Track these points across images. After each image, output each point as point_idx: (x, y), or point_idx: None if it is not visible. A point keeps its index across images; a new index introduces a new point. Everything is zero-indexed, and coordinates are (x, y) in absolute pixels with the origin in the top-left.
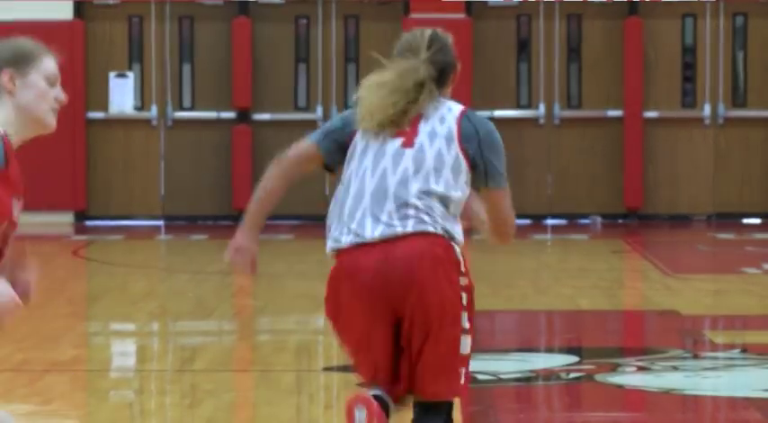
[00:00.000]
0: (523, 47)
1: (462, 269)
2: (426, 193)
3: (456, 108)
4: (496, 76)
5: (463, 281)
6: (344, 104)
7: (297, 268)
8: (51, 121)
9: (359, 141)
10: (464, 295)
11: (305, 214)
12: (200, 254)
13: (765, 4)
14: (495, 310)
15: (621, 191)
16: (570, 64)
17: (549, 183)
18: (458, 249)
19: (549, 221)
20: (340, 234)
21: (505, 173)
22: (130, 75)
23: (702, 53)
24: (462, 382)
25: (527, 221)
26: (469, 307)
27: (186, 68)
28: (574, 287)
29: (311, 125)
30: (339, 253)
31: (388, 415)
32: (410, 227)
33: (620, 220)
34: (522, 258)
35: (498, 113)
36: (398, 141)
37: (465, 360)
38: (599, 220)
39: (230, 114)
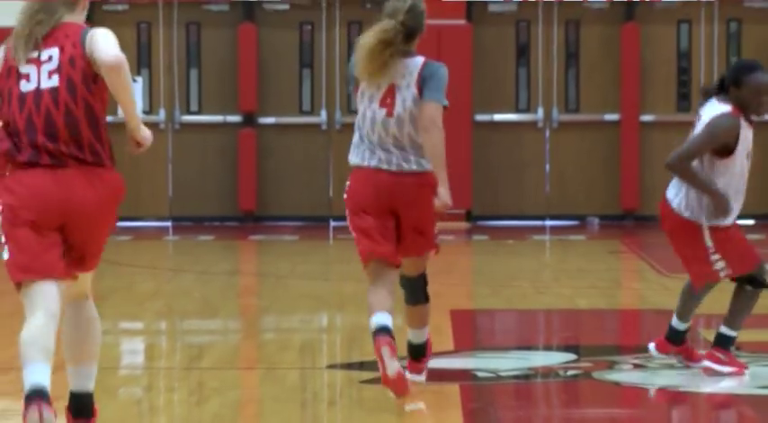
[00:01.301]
0: (522, 52)
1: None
2: (414, 145)
3: (419, 60)
4: (496, 80)
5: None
6: (348, 108)
7: (300, 269)
8: None
9: (361, 93)
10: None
11: (309, 216)
12: (207, 254)
13: (759, 10)
14: (495, 309)
15: (618, 193)
16: (568, 69)
17: (547, 185)
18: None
19: (548, 223)
20: (363, 159)
21: (443, 95)
22: (139, 79)
23: (697, 58)
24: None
25: (526, 223)
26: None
27: (193, 73)
28: (572, 287)
29: (315, 129)
30: (362, 168)
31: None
32: (409, 167)
33: (617, 222)
34: (521, 259)
35: (498, 117)
36: (383, 112)
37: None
38: (596, 221)
39: (236, 118)
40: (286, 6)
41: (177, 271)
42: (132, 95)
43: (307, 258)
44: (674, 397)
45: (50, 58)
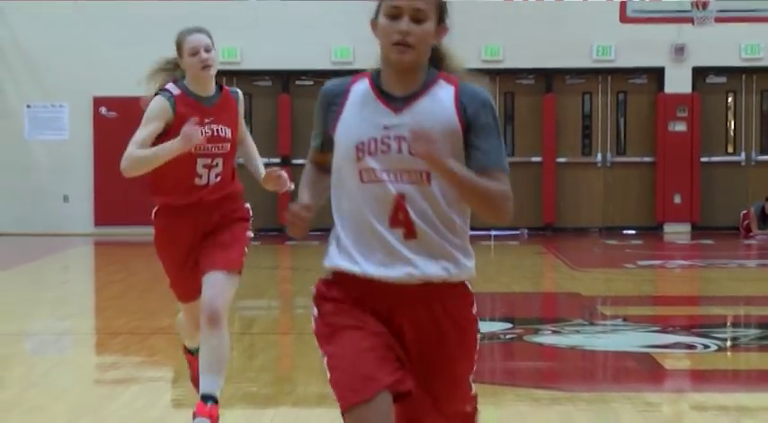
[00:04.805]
0: None
1: None
2: None
3: None
4: None
5: None
6: None
7: (321, 264)
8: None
9: None
10: None
11: (327, 227)
12: (255, 254)
13: (639, 85)
14: None
15: (541, 211)
16: (506, 126)
17: None
18: None
19: (492, 232)
20: None
21: None
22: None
23: (596, 118)
24: None
25: (477, 232)
26: None
27: (246, 129)
28: (509, 277)
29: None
30: None
31: None
32: None
33: (540, 232)
34: (475, 257)
35: None
36: None
37: None
38: (526, 231)
39: (276, 159)
40: (311, 82)
41: None
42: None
43: None
44: (580, 353)
45: None
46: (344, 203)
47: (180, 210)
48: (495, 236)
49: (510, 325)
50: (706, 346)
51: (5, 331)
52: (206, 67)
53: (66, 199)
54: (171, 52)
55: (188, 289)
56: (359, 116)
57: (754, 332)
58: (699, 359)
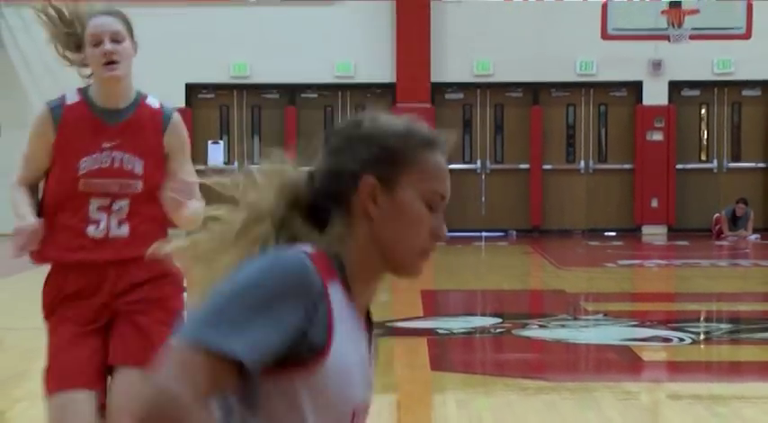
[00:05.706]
0: (467, 124)
1: None
2: None
3: None
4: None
5: None
6: None
7: None
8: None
9: None
10: None
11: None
12: None
13: (618, 98)
14: (450, 289)
15: (529, 214)
16: (496, 135)
17: (483, 209)
18: None
19: (484, 234)
20: None
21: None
22: (221, 142)
23: (579, 128)
24: None
25: (470, 234)
26: None
27: (255, 138)
28: (499, 275)
29: None
30: None
31: None
32: None
33: (527, 233)
34: (467, 257)
35: (451, 166)
36: None
37: None
38: (514, 233)
39: None
40: (315, 95)
41: None
42: None
43: None
44: (564, 346)
45: None
46: None
47: (72, 270)
48: (486, 237)
49: (500, 320)
50: (681, 340)
51: (32, 326)
52: (110, 62)
53: None
54: (182, 69)
55: (78, 361)
56: (349, 345)
57: (725, 326)
58: (674, 351)
